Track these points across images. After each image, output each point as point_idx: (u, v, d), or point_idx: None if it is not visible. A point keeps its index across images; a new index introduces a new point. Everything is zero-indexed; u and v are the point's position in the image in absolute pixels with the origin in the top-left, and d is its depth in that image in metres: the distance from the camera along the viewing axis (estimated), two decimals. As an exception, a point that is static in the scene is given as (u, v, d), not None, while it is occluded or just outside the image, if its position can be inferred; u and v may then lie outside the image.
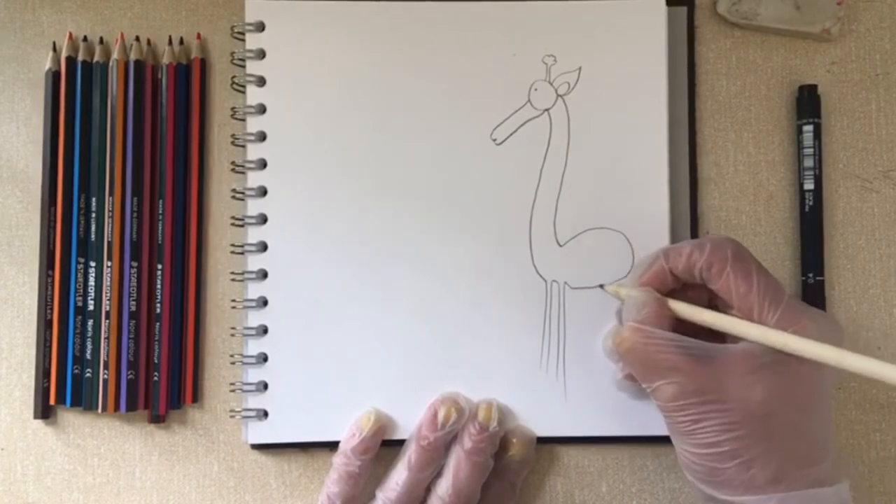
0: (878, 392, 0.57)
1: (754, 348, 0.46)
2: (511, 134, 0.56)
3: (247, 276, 0.56)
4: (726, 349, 0.47)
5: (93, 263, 0.56)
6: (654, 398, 0.47)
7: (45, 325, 0.56)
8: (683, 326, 0.48)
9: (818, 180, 0.57)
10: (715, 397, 0.45)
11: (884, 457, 0.56)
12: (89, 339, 0.56)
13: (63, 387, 0.56)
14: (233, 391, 0.56)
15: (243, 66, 0.57)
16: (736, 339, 0.48)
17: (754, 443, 0.45)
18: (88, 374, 0.55)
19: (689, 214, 0.57)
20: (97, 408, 0.55)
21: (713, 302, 0.50)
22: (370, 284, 0.55)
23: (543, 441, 0.55)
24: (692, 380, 0.46)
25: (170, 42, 0.58)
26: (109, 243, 0.56)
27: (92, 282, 0.56)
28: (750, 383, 0.45)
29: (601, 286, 0.54)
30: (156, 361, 0.56)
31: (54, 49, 0.58)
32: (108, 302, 0.56)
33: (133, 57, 0.57)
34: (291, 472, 0.57)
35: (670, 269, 0.49)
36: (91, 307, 0.56)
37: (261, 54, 0.57)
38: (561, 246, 0.56)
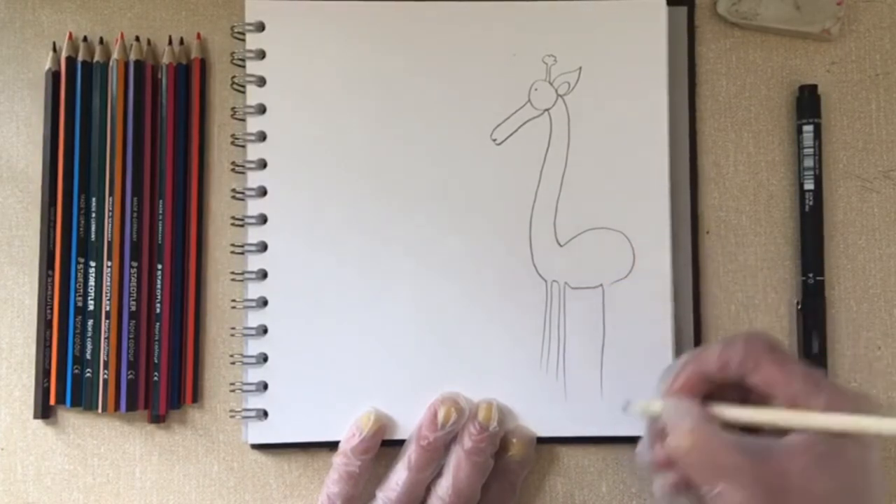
0: (878, 392, 0.57)
1: (810, 438, 0.45)
2: (511, 134, 0.56)
3: (247, 276, 0.56)
4: (783, 443, 0.45)
5: (93, 263, 0.56)
6: (716, 503, 0.45)
7: (45, 325, 0.56)
8: None
9: (818, 180, 0.57)
10: (780, 496, 0.43)
11: (884, 457, 0.56)
12: (89, 339, 0.56)
13: (63, 387, 0.56)
14: (233, 391, 0.56)
15: (243, 66, 0.57)
16: (778, 433, 0.46)
17: None
18: (88, 374, 0.55)
19: (689, 214, 0.57)
20: (97, 408, 0.55)
21: (744, 400, 0.49)
22: (370, 284, 0.55)
23: (543, 441, 0.55)
24: (757, 479, 0.44)
25: (170, 42, 0.58)
26: (109, 243, 0.56)
27: (92, 282, 0.56)
28: (813, 476, 0.44)
29: (624, 408, 0.51)
30: (156, 361, 0.56)
31: (54, 49, 0.58)
32: (108, 302, 0.56)
33: (133, 57, 0.57)
34: (291, 472, 0.57)
35: (703, 373, 0.48)
36: (91, 307, 0.56)
37: (261, 54, 0.57)
38: (561, 246, 0.56)
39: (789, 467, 0.44)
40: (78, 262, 0.56)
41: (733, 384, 0.48)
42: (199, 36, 0.58)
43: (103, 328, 0.56)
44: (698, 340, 0.56)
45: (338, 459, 0.53)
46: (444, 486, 0.52)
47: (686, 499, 0.49)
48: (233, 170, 0.57)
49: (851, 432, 0.44)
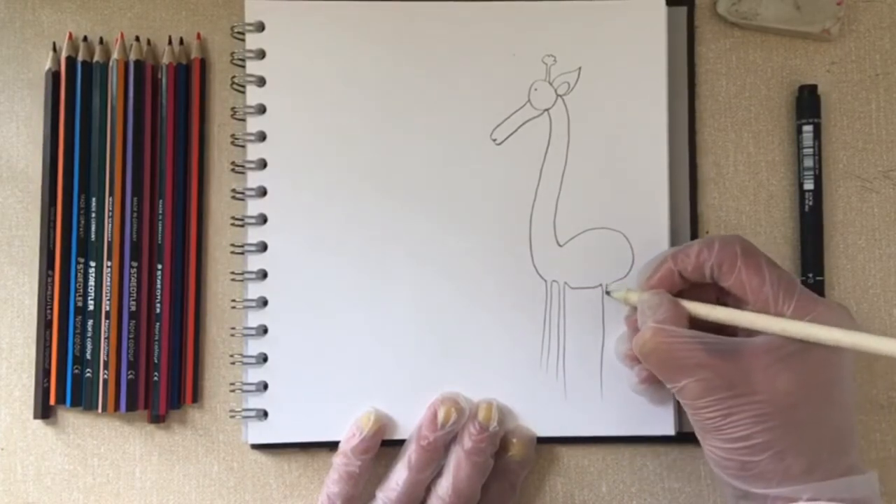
0: (878, 392, 0.57)
1: (776, 340, 0.46)
2: (511, 134, 0.56)
3: (247, 276, 0.56)
4: (748, 342, 0.47)
5: (93, 263, 0.56)
6: (681, 397, 0.47)
7: (45, 325, 0.56)
8: (693, 326, 0.48)
9: (818, 180, 0.57)
10: (743, 390, 0.45)
11: (884, 457, 0.56)
12: (89, 339, 0.56)
13: (63, 387, 0.56)
14: (233, 391, 0.56)
15: (243, 66, 0.57)
16: (750, 333, 0.48)
17: (785, 433, 0.45)
18: (88, 374, 0.55)
19: (689, 214, 0.57)
20: (97, 408, 0.55)
21: (721, 301, 0.50)
22: (370, 284, 0.55)
23: (543, 441, 0.55)
24: (719, 375, 0.45)
25: (170, 42, 0.58)
26: (109, 243, 0.56)
27: (92, 282, 0.56)
28: (775, 374, 0.45)
29: (607, 292, 0.55)
30: (156, 361, 0.56)
31: (54, 49, 0.58)
32: (108, 302, 0.56)
33: (133, 57, 0.57)
34: (291, 472, 0.57)
35: (679, 271, 0.49)
36: (91, 307, 0.56)
37: (261, 54, 0.57)
38: (561, 246, 0.56)
39: (753, 365, 0.46)
40: (78, 262, 0.56)
41: (711, 285, 0.50)
42: (199, 36, 0.58)
43: (103, 328, 0.56)
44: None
45: (338, 459, 0.53)
46: (444, 486, 0.52)
47: (658, 392, 0.52)
48: (233, 170, 0.57)
49: (811, 340, 0.46)
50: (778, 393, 0.45)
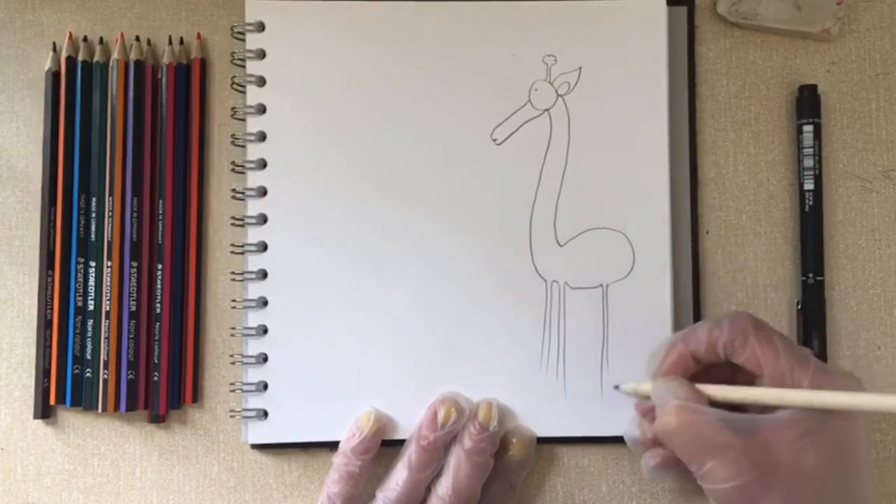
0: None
1: (797, 413, 0.45)
2: (511, 134, 0.56)
3: (247, 276, 0.56)
4: (770, 419, 0.46)
5: (93, 263, 0.56)
6: (706, 481, 0.45)
7: (45, 325, 0.56)
8: None
9: (818, 180, 0.57)
10: (769, 469, 0.44)
11: (884, 457, 0.56)
12: (89, 339, 0.56)
13: (63, 387, 0.56)
14: (233, 391, 0.56)
15: (243, 66, 0.57)
16: (763, 410, 0.47)
17: None
18: (88, 374, 0.55)
19: (689, 214, 0.57)
20: (97, 408, 0.55)
21: (733, 379, 0.50)
22: (370, 284, 0.55)
23: (543, 441, 0.55)
24: (745, 454, 0.44)
25: (170, 42, 0.58)
26: (109, 243, 0.56)
27: (92, 282, 0.56)
28: (800, 450, 0.44)
29: (615, 387, 0.54)
30: (156, 361, 0.56)
31: (54, 49, 0.58)
32: (108, 302, 0.56)
33: (133, 57, 0.57)
34: (291, 472, 0.57)
35: (691, 352, 0.49)
36: (91, 307, 0.56)
37: (261, 54, 0.57)
38: (561, 246, 0.56)
39: (777, 442, 0.45)
40: (78, 262, 0.56)
41: (721, 364, 0.49)
42: (199, 36, 0.58)
43: (103, 328, 0.56)
44: (698, 340, 0.56)
45: (338, 459, 0.53)
46: (444, 486, 0.52)
47: (674, 477, 0.50)
48: (233, 170, 0.57)
49: (836, 408, 0.45)
50: (804, 469, 0.44)
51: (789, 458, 0.44)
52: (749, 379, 0.49)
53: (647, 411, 0.51)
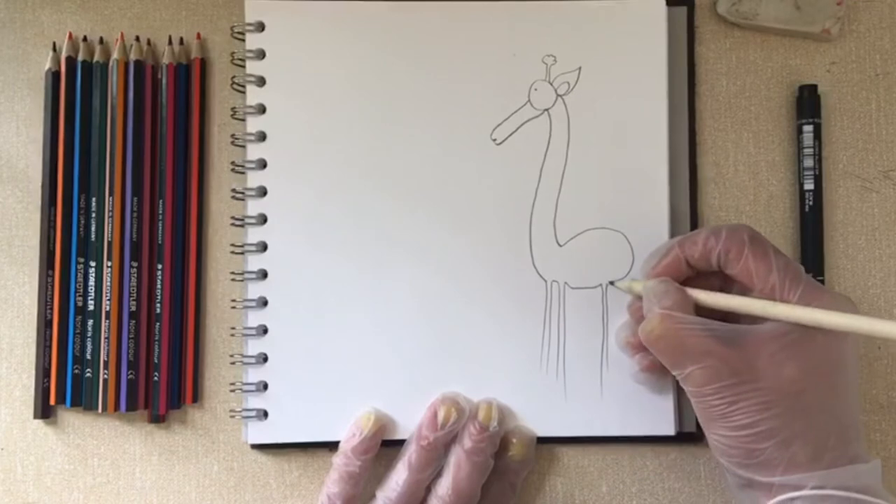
0: (878, 392, 0.57)
1: (782, 327, 0.46)
2: (511, 134, 0.56)
3: (247, 276, 0.56)
4: (754, 329, 0.47)
5: (93, 263, 0.56)
6: (686, 384, 0.47)
7: (45, 325, 0.56)
8: (698, 314, 0.49)
9: (818, 180, 0.57)
10: (749, 377, 0.45)
11: (884, 457, 0.56)
12: (89, 339, 0.56)
13: (63, 387, 0.56)
14: (233, 391, 0.56)
15: (243, 66, 0.57)
16: (754, 321, 0.48)
17: (791, 420, 0.45)
18: (88, 374, 0.55)
19: (689, 214, 0.57)
20: (97, 408, 0.55)
21: (726, 290, 0.51)
22: (370, 284, 0.55)
23: (543, 441, 0.55)
24: (725, 362, 0.46)
25: (170, 42, 0.58)
26: (109, 243, 0.56)
27: (92, 282, 0.56)
28: (781, 361, 0.45)
29: (611, 283, 0.55)
30: (156, 361, 0.56)
31: (54, 49, 0.58)
32: (108, 302, 0.56)
33: (133, 57, 0.57)
34: (291, 472, 0.57)
35: (685, 258, 0.50)
36: (91, 307, 0.56)
37: (261, 54, 0.57)
38: (561, 246, 0.56)
39: (759, 352, 0.46)
40: (78, 262, 0.56)
41: (715, 273, 0.50)
42: (199, 36, 0.58)
43: (103, 328, 0.56)
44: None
45: (338, 459, 0.53)
46: (444, 486, 0.52)
47: (659, 379, 0.52)
48: (233, 170, 0.57)
49: (818, 325, 0.46)
50: (783, 380, 0.45)
51: (769, 369, 0.45)
52: (741, 291, 0.49)
53: (637, 311, 0.52)
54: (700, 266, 0.50)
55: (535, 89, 0.56)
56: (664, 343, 0.47)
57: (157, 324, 0.56)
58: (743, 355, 0.46)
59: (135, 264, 0.56)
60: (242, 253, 0.56)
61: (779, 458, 0.45)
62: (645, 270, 0.52)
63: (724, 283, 0.51)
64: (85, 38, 0.58)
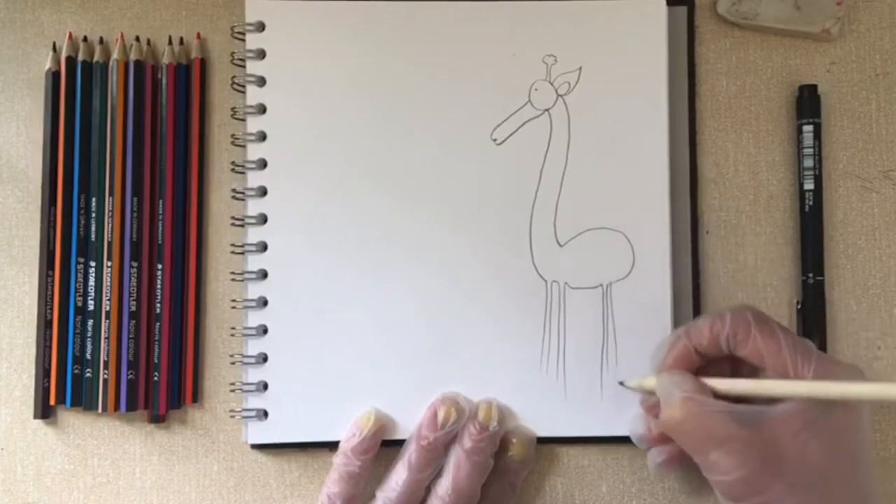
0: (878, 392, 0.57)
1: (801, 405, 0.46)
2: (511, 134, 0.56)
3: (247, 276, 0.56)
4: (774, 411, 0.46)
5: (93, 263, 0.56)
6: (712, 473, 0.46)
7: (45, 325, 0.56)
8: None
9: (818, 180, 0.57)
10: (774, 461, 0.44)
11: (884, 457, 0.56)
12: (89, 339, 0.56)
13: (63, 387, 0.56)
14: (233, 391, 0.56)
15: (243, 66, 0.57)
16: (768, 402, 0.47)
17: (817, 500, 0.44)
18: (88, 374, 0.55)
19: (689, 214, 0.57)
20: (97, 408, 0.55)
21: (736, 373, 0.50)
22: (370, 284, 0.55)
23: (543, 441, 0.55)
24: (750, 446, 0.45)
25: (170, 42, 0.58)
26: (109, 243, 0.56)
27: (92, 282, 0.56)
28: (805, 441, 0.45)
29: (620, 383, 0.53)
30: (156, 361, 0.56)
31: (54, 49, 0.58)
32: (108, 302, 0.56)
33: (133, 57, 0.57)
34: (291, 472, 0.57)
35: (694, 347, 0.49)
36: (91, 307, 0.56)
37: (261, 54, 0.57)
38: (561, 246, 0.56)
39: (781, 433, 0.45)
40: (78, 262, 0.56)
41: (724, 358, 0.50)
42: (199, 36, 0.58)
43: (103, 328, 0.56)
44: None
45: (338, 459, 0.53)
46: (444, 486, 0.52)
47: (680, 473, 0.52)
48: (233, 170, 0.57)
49: (840, 398, 0.45)
50: (808, 460, 0.45)
51: (793, 449, 0.45)
52: (752, 372, 0.49)
53: (652, 407, 0.51)
54: (708, 352, 0.49)
55: (536, 89, 0.56)
56: (687, 428, 0.47)
57: (157, 324, 0.56)
58: (765, 437, 0.45)
59: (135, 264, 0.56)
60: (242, 253, 0.56)
61: None
62: (654, 366, 0.51)
63: (734, 366, 0.51)
64: (85, 38, 0.58)
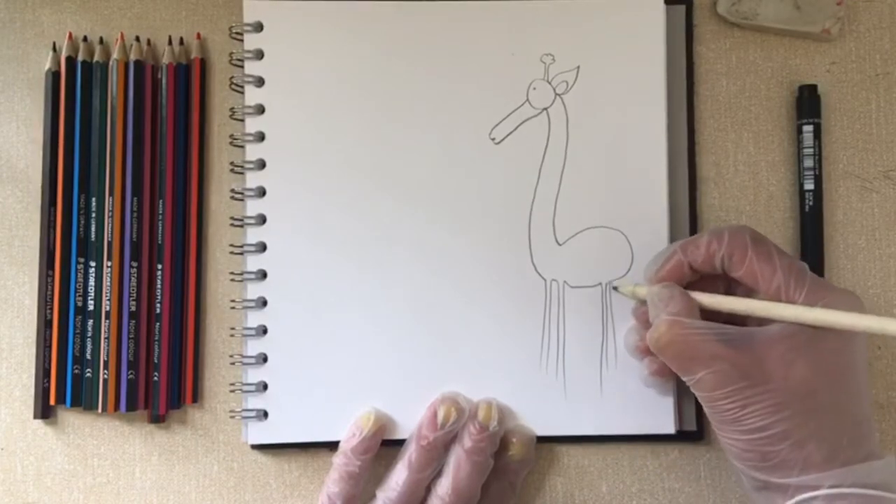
0: (877, 392, 0.57)
1: (789, 328, 0.46)
2: (510, 133, 0.56)
3: (246, 276, 0.56)
4: (761, 332, 0.47)
5: (93, 263, 0.56)
6: (697, 390, 0.47)
7: (45, 325, 0.56)
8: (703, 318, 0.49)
9: (818, 180, 0.57)
10: (759, 380, 0.45)
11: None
12: (89, 339, 0.56)
13: (63, 387, 0.56)
14: (233, 391, 0.56)
15: (242, 67, 0.57)
16: (761, 322, 0.48)
17: (804, 421, 0.45)
18: (88, 374, 0.55)
19: (688, 214, 0.57)
20: (97, 408, 0.55)
21: (730, 292, 0.51)
22: (369, 284, 0.55)
23: (543, 441, 0.55)
24: (735, 366, 0.45)
25: (170, 42, 0.58)
26: (109, 243, 0.56)
27: (92, 282, 0.56)
28: (790, 362, 0.45)
29: (614, 288, 0.55)
30: (156, 361, 0.56)
31: (54, 49, 0.58)
32: (108, 302, 0.56)
33: (133, 57, 0.57)
34: (291, 472, 0.57)
35: (688, 262, 0.50)
36: (91, 307, 0.56)
37: (259, 55, 0.57)
38: (560, 245, 0.56)
39: (768, 354, 0.46)
40: (78, 262, 0.56)
41: (719, 276, 0.50)
42: (198, 36, 0.58)
43: (103, 328, 0.56)
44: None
45: (338, 459, 0.53)
46: (444, 486, 0.52)
47: (668, 382, 0.52)
48: (232, 170, 0.57)
49: (824, 325, 0.46)
50: (794, 381, 0.45)
51: (779, 370, 0.45)
52: (746, 294, 0.50)
53: (643, 316, 0.52)
54: (703, 270, 0.50)
55: (534, 88, 0.56)
56: (673, 349, 0.47)
57: (157, 324, 0.56)
58: (752, 358, 0.46)
59: (135, 264, 0.56)
60: (242, 253, 0.56)
61: (794, 459, 0.45)
62: (647, 275, 0.51)
63: (728, 285, 0.51)
64: (85, 38, 0.58)
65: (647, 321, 0.50)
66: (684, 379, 0.48)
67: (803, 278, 0.47)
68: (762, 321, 0.48)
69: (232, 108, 0.57)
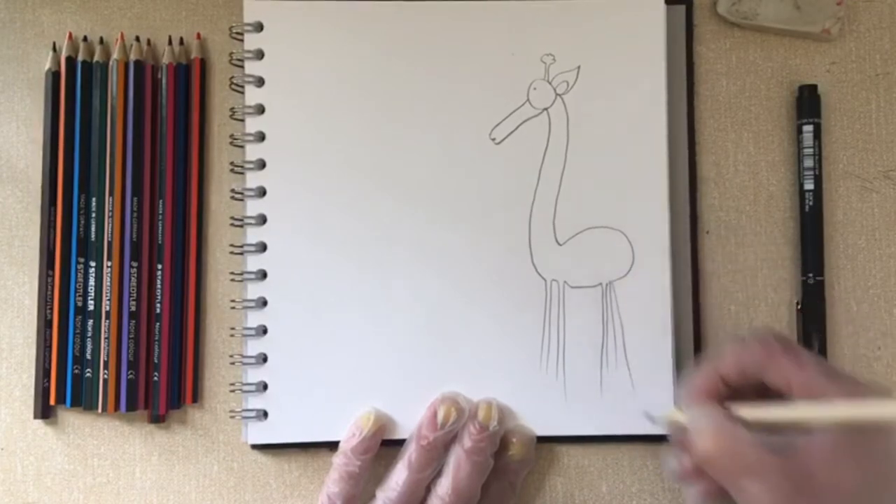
0: (878, 392, 0.57)
1: (831, 434, 0.45)
2: (510, 133, 0.56)
3: (246, 276, 0.56)
4: (807, 439, 0.45)
5: (93, 263, 0.56)
6: (746, 502, 0.45)
7: (45, 325, 0.56)
8: None
9: (818, 180, 0.57)
10: (809, 490, 0.44)
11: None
12: (89, 339, 0.56)
13: (63, 387, 0.56)
14: (233, 391, 0.56)
15: (242, 67, 0.57)
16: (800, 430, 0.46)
17: None
18: (88, 374, 0.55)
19: (688, 214, 0.57)
20: (97, 408, 0.55)
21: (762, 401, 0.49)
22: (369, 284, 0.55)
23: (543, 441, 0.55)
24: (784, 475, 0.44)
25: (170, 42, 0.58)
26: (109, 243, 0.56)
27: (92, 282, 0.56)
28: (837, 467, 0.44)
29: (651, 419, 0.53)
30: (156, 361, 0.56)
31: (54, 49, 0.58)
32: (108, 302, 0.56)
33: (133, 57, 0.57)
34: (291, 472, 0.57)
35: (721, 378, 0.49)
36: (91, 307, 0.56)
37: (259, 55, 0.57)
38: (560, 245, 0.56)
39: (815, 462, 0.45)
40: (78, 262, 0.56)
41: (751, 387, 0.49)
42: (198, 36, 0.58)
43: (103, 328, 0.56)
44: (698, 340, 0.56)
45: (338, 459, 0.53)
46: (444, 486, 0.52)
47: (726, 500, 0.50)
48: (232, 170, 0.57)
49: (874, 419, 0.45)
50: (842, 488, 0.44)
51: (827, 476, 0.44)
52: (779, 399, 0.48)
53: (684, 442, 0.50)
54: (735, 382, 0.49)
55: (534, 88, 0.56)
56: (722, 460, 0.46)
57: (157, 324, 0.56)
58: (798, 465, 0.44)
59: (135, 264, 0.56)
60: (242, 253, 0.56)
61: None
62: (681, 398, 0.50)
63: (759, 394, 0.49)
64: (85, 39, 0.58)
65: (686, 445, 0.49)
66: (731, 492, 0.46)
67: (837, 376, 0.46)
68: (803, 429, 0.46)
69: (232, 108, 0.57)
